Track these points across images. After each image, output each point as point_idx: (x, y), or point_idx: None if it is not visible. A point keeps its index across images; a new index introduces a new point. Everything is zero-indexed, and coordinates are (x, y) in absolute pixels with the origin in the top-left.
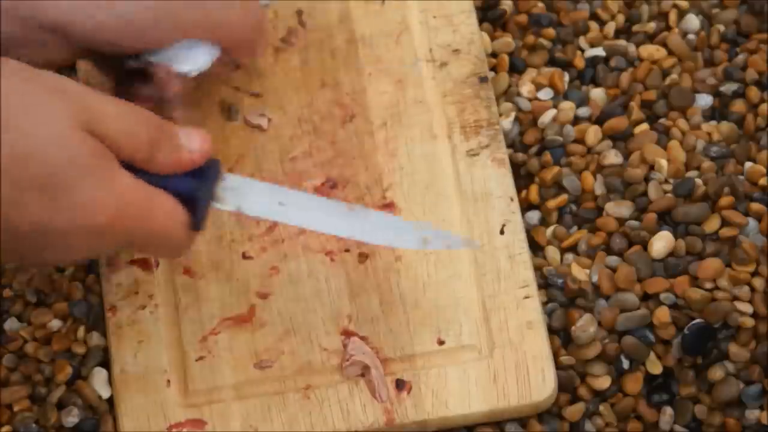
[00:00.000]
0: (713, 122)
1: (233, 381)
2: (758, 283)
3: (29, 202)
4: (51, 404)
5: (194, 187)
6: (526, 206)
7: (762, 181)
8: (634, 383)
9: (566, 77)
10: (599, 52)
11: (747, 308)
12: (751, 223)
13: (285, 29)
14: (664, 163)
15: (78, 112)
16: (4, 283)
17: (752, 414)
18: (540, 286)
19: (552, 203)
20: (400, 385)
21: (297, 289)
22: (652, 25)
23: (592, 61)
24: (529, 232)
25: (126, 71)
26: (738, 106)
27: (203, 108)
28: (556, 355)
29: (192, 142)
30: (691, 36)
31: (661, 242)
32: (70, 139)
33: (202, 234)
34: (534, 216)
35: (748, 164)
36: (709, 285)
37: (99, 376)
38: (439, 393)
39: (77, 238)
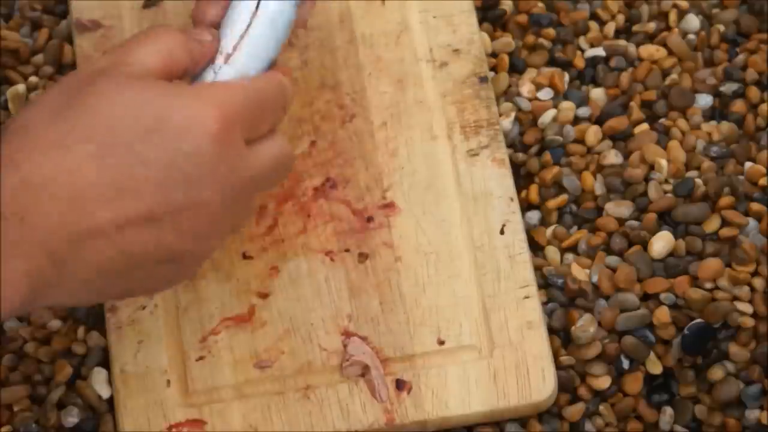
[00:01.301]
0: (713, 122)
1: (233, 381)
2: (758, 283)
3: (183, 222)
4: (51, 404)
5: None
6: (526, 206)
7: (762, 181)
8: (634, 383)
9: (566, 77)
10: (599, 52)
11: (747, 308)
12: (751, 223)
13: None
14: (664, 163)
15: (226, 123)
16: None
17: (752, 414)
18: (540, 286)
19: (552, 203)
20: (400, 385)
21: (297, 289)
22: (652, 25)
23: (592, 61)
24: (529, 232)
25: None
26: (738, 106)
27: None
28: (556, 355)
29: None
30: (691, 36)
31: (661, 242)
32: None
33: None
34: (534, 216)
35: (748, 164)
36: (709, 285)
37: (99, 376)
38: (439, 393)
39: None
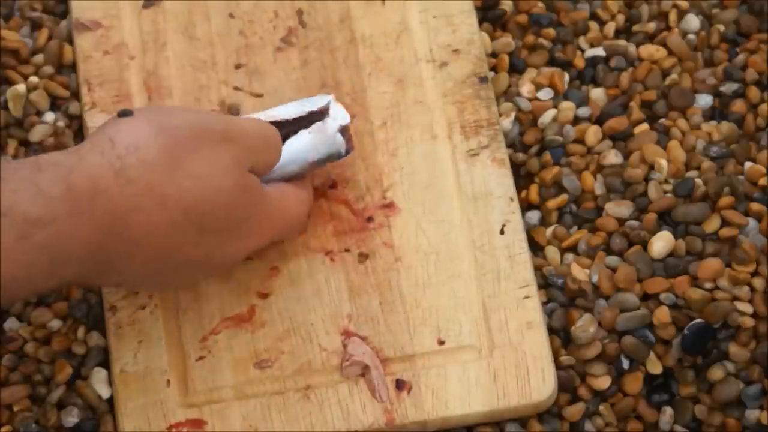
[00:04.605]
0: (713, 122)
1: (233, 381)
2: (758, 283)
3: (205, 242)
4: (51, 404)
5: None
6: (526, 206)
7: (762, 181)
8: (634, 383)
9: (566, 77)
10: (599, 52)
11: (747, 308)
12: (751, 223)
13: (285, 29)
14: (664, 163)
15: (242, 157)
16: None
17: (752, 414)
18: (540, 286)
19: (552, 203)
20: (400, 385)
21: (297, 289)
22: (652, 25)
23: (592, 61)
24: (529, 232)
25: None
26: (738, 106)
27: (203, 107)
28: (556, 355)
29: None
30: (691, 36)
31: (661, 242)
32: (241, 184)
33: None
34: (534, 216)
35: (748, 164)
36: (709, 285)
37: (99, 376)
38: (439, 393)
39: (229, 261)
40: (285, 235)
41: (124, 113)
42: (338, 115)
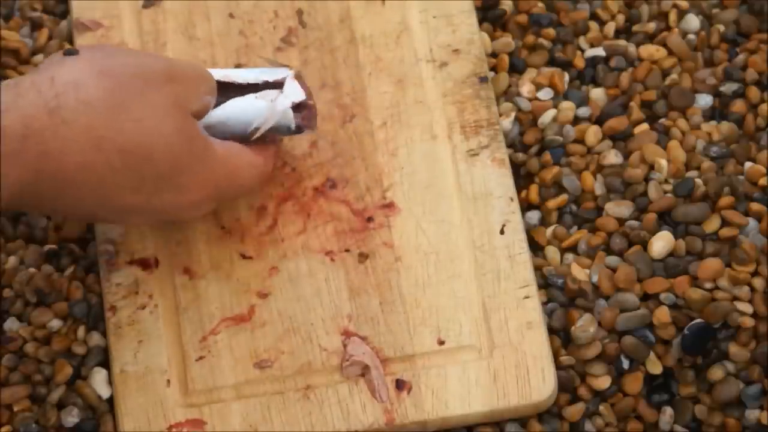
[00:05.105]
0: (713, 122)
1: (233, 381)
2: (758, 283)
3: (144, 188)
4: (51, 404)
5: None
6: (526, 206)
7: (762, 181)
8: (634, 383)
9: (566, 77)
10: (599, 52)
11: (747, 308)
12: (751, 223)
13: (285, 29)
14: (664, 163)
15: (184, 99)
16: (4, 283)
17: (752, 414)
18: (540, 286)
19: (552, 203)
20: (400, 385)
21: (297, 288)
22: (652, 25)
23: (592, 61)
24: (529, 232)
25: None
26: (738, 106)
27: None
28: (556, 355)
29: None
30: (691, 36)
31: (661, 242)
32: (184, 129)
33: (201, 234)
34: (534, 216)
35: (748, 164)
36: (709, 285)
37: (99, 376)
38: (439, 393)
39: (171, 212)
40: (229, 195)
41: (70, 52)
42: (291, 93)
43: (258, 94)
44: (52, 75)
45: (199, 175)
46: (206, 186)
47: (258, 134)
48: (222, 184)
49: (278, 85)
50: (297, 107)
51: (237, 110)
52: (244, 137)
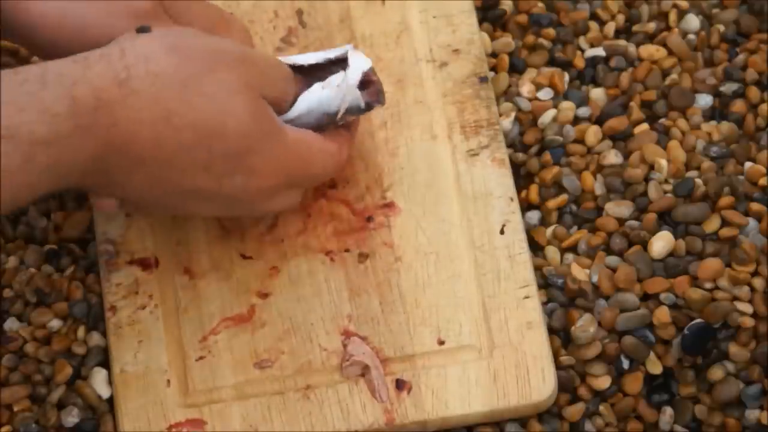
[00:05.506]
0: (713, 122)
1: (233, 381)
2: (758, 283)
3: (215, 168)
4: (51, 404)
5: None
6: (526, 206)
7: (762, 181)
8: (634, 383)
9: (566, 77)
10: (599, 52)
11: (747, 308)
12: (751, 223)
13: (285, 29)
14: (664, 163)
15: (256, 83)
16: (4, 283)
17: (752, 414)
18: (540, 286)
19: (552, 203)
20: (400, 385)
21: (297, 289)
22: (652, 25)
23: (592, 61)
24: (529, 232)
25: None
26: (738, 106)
27: None
28: (556, 355)
29: None
30: (691, 36)
31: (661, 242)
32: (255, 109)
33: (201, 234)
34: (534, 216)
35: (748, 164)
36: (709, 285)
37: (99, 376)
38: (439, 393)
39: (243, 199)
40: (302, 182)
41: (143, 29)
42: (358, 64)
43: (322, 83)
44: (122, 48)
45: (271, 159)
46: (278, 172)
47: (341, 115)
48: (294, 171)
49: (340, 62)
50: (361, 85)
51: (308, 103)
52: (321, 128)
